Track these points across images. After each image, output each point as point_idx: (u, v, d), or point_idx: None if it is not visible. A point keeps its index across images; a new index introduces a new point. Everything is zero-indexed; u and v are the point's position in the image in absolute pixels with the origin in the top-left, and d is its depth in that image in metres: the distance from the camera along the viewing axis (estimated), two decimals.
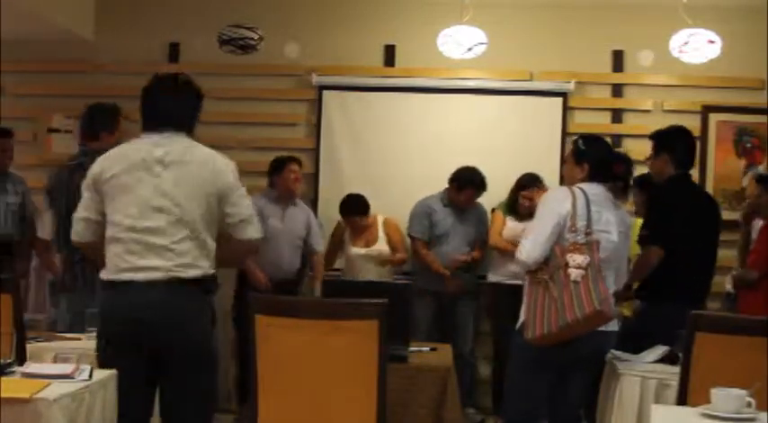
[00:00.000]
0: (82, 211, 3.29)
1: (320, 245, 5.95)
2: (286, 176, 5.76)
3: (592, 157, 3.84)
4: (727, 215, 5.83)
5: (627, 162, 3.96)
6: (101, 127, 4.59)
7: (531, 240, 3.66)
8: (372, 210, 6.08)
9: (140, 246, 3.14)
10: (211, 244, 3.21)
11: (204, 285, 3.20)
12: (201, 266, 3.17)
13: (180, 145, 3.22)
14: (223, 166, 3.24)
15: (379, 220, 6.09)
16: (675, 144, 4.44)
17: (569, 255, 3.54)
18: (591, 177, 3.81)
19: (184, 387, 3.18)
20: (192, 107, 3.35)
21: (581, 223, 3.62)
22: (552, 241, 3.62)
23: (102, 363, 3.20)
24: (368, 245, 6.04)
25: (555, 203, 3.71)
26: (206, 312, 3.22)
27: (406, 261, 6.06)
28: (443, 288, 5.85)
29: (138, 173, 3.17)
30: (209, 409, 3.31)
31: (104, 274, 3.22)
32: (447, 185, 5.97)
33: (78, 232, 3.32)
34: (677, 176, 4.40)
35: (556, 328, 3.52)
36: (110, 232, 3.21)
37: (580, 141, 3.94)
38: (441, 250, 5.91)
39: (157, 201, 3.15)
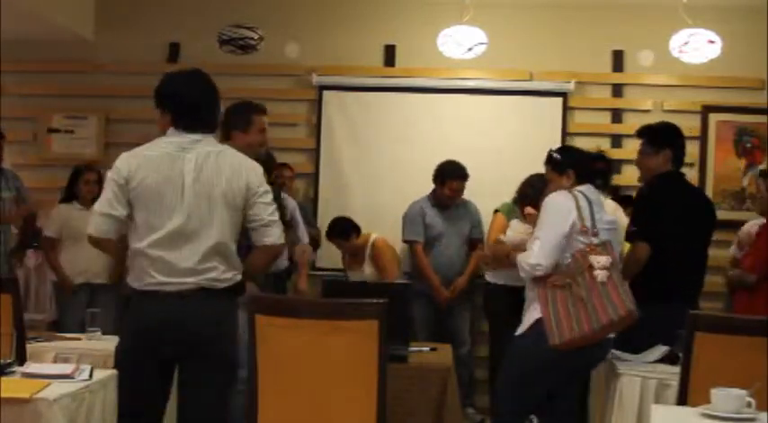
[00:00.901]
0: (106, 207, 3.15)
1: (304, 236, 5.93)
2: None
3: (573, 163, 3.88)
4: (727, 215, 5.86)
5: (605, 159, 4.00)
6: (232, 126, 4.28)
7: (539, 248, 3.65)
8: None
9: (166, 266, 3.10)
10: (235, 251, 3.20)
11: (232, 291, 3.19)
12: (228, 279, 3.16)
13: (208, 149, 3.18)
14: (251, 172, 3.20)
15: (370, 240, 6.04)
16: (676, 141, 4.44)
17: (592, 256, 3.55)
18: (579, 181, 3.83)
19: (207, 391, 3.15)
20: (217, 106, 3.31)
21: (588, 224, 3.64)
22: (561, 247, 3.62)
23: (122, 365, 3.16)
24: (355, 265, 6.06)
25: (560, 209, 3.71)
26: (233, 317, 3.21)
27: None
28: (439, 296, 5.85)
29: (167, 187, 3.11)
30: (226, 412, 3.29)
31: (133, 282, 3.17)
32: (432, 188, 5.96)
33: (99, 228, 3.16)
34: (670, 173, 4.39)
35: (589, 330, 3.51)
36: (135, 243, 3.14)
37: (555, 154, 3.97)
38: (435, 251, 5.91)
39: (183, 221, 3.10)
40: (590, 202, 3.70)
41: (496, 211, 5.88)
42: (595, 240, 3.59)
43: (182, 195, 3.10)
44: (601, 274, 3.52)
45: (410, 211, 5.98)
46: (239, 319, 3.23)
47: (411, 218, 5.94)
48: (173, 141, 3.18)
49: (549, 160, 3.97)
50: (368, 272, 5.99)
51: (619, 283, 3.51)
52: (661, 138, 4.43)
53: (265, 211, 3.19)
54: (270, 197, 3.23)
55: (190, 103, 3.20)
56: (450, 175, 5.86)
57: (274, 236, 3.21)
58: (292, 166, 6.31)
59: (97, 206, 3.20)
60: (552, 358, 3.63)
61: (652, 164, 4.42)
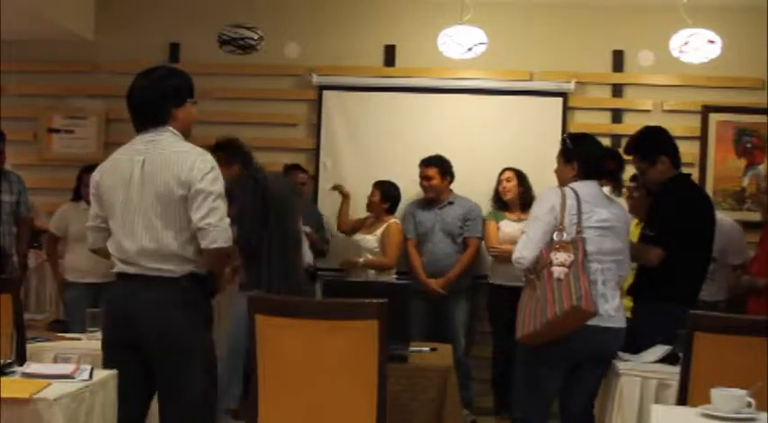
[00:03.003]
0: (91, 220, 3.36)
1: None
2: None
3: (580, 156, 3.89)
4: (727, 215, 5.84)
5: (617, 158, 3.98)
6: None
7: (523, 241, 3.74)
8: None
9: (122, 265, 3.22)
10: (191, 247, 3.19)
11: (188, 281, 3.19)
12: (176, 270, 3.18)
13: (160, 149, 3.19)
14: (193, 171, 3.14)
15: (390, 220, 6.05)
16: (668, 144, 4.36)
17: (553, 253, 3.60)
18: (581, 175, 3.85)
19: (174, 385, 3.19)
20: (165, 96, 3.26)
21: (570, 223, 3.67)
22: (544, 242, 3.68)
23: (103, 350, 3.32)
24: (364, 235, 6.05)
25: (546, 204, 3.77)
26: (189, 307, 3.20)
27: (390, 267, 5.97)
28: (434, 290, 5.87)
29: (118, 193, 3.20)
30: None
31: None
32: None
33: (91, 241, 3.39)
34: (680, 176, 4.37)
35: (540, 325, 3.58)
36: (107, 244, 3.31)
37: (568, 140, 3.99)
38: (426, 249, 5.97)
39: (128, 228, 3.17)
40: (579, 201, 3.71)
41: (484, 220, 6.01)
42: (566, 237, 3.62)
43: (129, 200, 3.18)
44: (557, 271, 3.57)
45: (404, 210, 6.12)
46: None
47: (404, 216, 6.09)
48: (131, 144, 3.28)
49: (562, 145, 4.00)
50: (366, 237, 5.99)
51: (574, 279, 3.53)
52: (651, 149, 4.31)
53: (198, 212, 3.13)
54: (205, 196, 3.14)
55: (133, 105, 3.28)
56: (420, 166, 5.98)
57: (206, 240, 3.15)
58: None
59: (88, 221, 3.39)
60: (538, 352, 3.71)
61: (654, 176, 4.33)
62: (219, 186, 3.19)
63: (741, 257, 5.34)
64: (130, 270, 3.19)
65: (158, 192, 3.15)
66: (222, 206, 3.18)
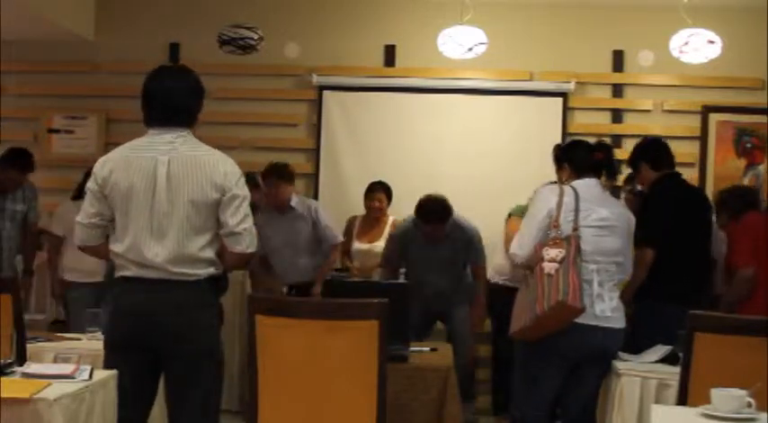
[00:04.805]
0: (84, 217, 3.21)
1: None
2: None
3: (569, 157, 3.96)
4: None
5: (605, 149, 4.03)
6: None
7: (518, 237, 3.78)
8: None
9: (138, 262, 3.14)
10: (211, 249, 3.18)
11: (206, 283, 3.18)
12: (200, 274, 3.16)
13: (185, 150, 3.14)
14: (227, 176, 3.14)
15: (389, 220, 6.05)
16: (649, 150, 4.57)
17: (545, 249, 3.62)
18: (576, 174, 3.89)
19: (189, 386, 3.17)
20: (197, 99, 3.27)
21: (566, 220, 3.69)
22: (540, 239, 3.70)
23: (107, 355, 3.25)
24: (371, 241, 6.02)
25: (543, 202, 3.80)
26: (206, 308, 3.20)
27: None
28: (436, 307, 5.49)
29: (138, 190, 3.11)
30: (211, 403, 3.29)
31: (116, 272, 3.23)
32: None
33: (81, 238, 3.25)
34: (666, 175, 4.41)
35: (529, 320, 3.60)
36: (111, 243, 3.20)
37: (557, 149, 4.17)
38: (418, 276, 5.30)
39: (153, 224, 3.11)
40: (578, 198, 3.73)
41: (510, 215, 5.47)
42: (560, 234, 3.64)
43: (152, 199, 3.10)
44: (548, 267, 3.58)
45: (396, 230, 5.60)
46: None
47: (390, 237, 5.61)
48: (149, 142, 3.19)
49: (553, 155, 4.15)
50: (379, 245, 5.88)
51: (563, 275, 3.54)
52: (633, 158, 4.62)
53: (236, 216, 3.13)
54: (241, 201, 3.15)
55: (160, 102, 3.19)
56: (422, 217, 5.23)
57: (242, 245, 3.15)
58: (293, 167, 6.25)
59: (78, 217, 3.24)
60: (537, 350, 3.73)
61: (640, 181, 4.66)
62: (248, 191, 3.21)
63: None
64: (150, 274, 3.12)
65: (192, 194, 3.10)
66: (250, 211, 3.21)
